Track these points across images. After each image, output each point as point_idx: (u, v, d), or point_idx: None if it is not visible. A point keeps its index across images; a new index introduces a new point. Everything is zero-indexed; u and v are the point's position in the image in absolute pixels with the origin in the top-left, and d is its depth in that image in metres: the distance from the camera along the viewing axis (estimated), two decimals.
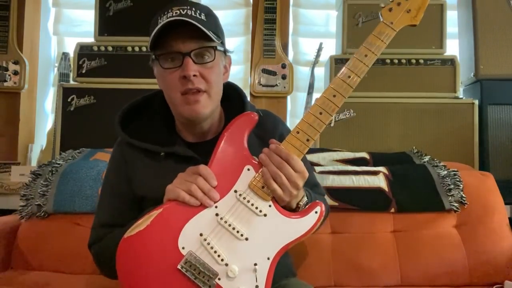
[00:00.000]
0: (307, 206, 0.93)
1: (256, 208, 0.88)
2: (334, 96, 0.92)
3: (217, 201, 0.89)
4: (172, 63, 0.96)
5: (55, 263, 1.47)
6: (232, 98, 1.10)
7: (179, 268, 0.85)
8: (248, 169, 0.91)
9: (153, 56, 0.99)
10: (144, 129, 1.07)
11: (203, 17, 0.96)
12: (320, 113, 0.91)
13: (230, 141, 0.93)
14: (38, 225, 1.52)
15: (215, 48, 0.98)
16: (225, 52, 1.04)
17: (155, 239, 0.87)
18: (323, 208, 0.91)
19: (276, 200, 0.90)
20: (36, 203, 1.53)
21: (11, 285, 1.34)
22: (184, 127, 1.07)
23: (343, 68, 0.93)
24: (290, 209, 0.93)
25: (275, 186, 0.87)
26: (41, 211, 1.52)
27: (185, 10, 0.95)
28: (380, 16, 0.97)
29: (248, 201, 0.89)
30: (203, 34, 0.94)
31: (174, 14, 0.94)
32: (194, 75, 0.95)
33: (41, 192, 1.54)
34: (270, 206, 0.89)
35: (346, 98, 0.92)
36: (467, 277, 1.42)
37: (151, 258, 0.86)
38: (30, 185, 1.58)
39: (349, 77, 0.92)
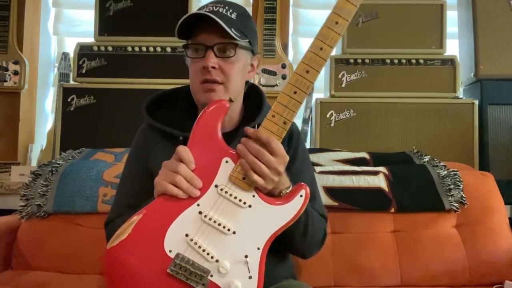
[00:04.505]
0: (292, 189, 0.90)
1: (240, 200, 0.86)
2: (307, 72, 0.87)
3: (199, 197, 0.87)
4: (196, 53, 1.03)
5: (55, 263, 1.47)
6: (253, 98, 1.16)
7: (169, 272, 0.83)
8: (227, 161, 0.88)
9: (183, 45, 1.06)
10: (167, 116, 1.12)
11: (233, 16, 1.02)
12: (295, 92, 0.87)
13: (203, 134, 0.90)
14: (38, 225, 1.52)
15: (236, 45, 1.02)
16: (253, 51, 1.09)
17: (140, 246, 0.84)
18: (308, 191, 0.88)
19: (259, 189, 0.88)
20: (36, 203, 1.53)
21: (11, 285, 1.34)
22: None
23: (314, 40, 0.87)
24: (272, 195, 0.91)
25: (256, 177, 0.85)
26: (41, 211, 1.52)
27: (218, 8, 1.02)
28: None
29: (231, 195, 0.86)
30: (228, 31, 0.99)
31: (207, 10, 1.00)
32: (213, 67, 1.00)
33: (41, 192, 1.54)
34: (254, 196, 0.87)
35: (320, 72, 0.87)
36: (467, 277, 1.42)
37: (139, 266, 0.84)
38: (30, 185, 1.58)
39: (321, 48, 0.86)
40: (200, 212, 0.86)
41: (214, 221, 0.86)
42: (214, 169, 0.88)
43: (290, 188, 0.92)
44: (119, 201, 1.12)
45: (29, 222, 1.53)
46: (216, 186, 0.87)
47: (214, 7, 1.01)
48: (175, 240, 0.85)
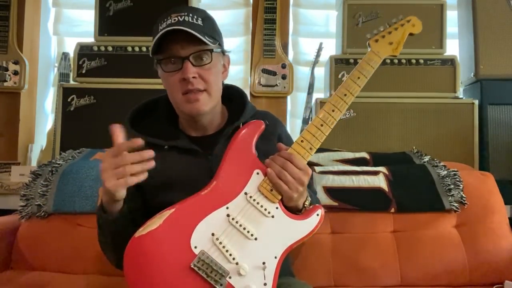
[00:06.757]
0: (309, 208, 0.99)
1: (265, 209, 0.94)
2: (333, 111, 1.03)
3: (229, 201, 0.94)
4: (172, 66, 1.03)
5: (55, 263, 1.47)
6: (234, 98, 1.18)
7: (192, 266, 0.88)
8: (257, 173, 0.97)
9: (155, 60, 1.06)
10: (150, 127, 1.14)
11: (200, 22, 1.03)
12: (321, 125, 1.01)
13: (240, 147, 0.99)
14: (38, 225, 1.52)
15: (211, 51, 1.04)
16: (223, 52, 1.11)
17: (168, 238, 0.90)
18: (323, 212, 0.97)
19: (284, 199, 0.95)
20: (36, 203, 1.52)
21: (11, 285, 1.34)
22: (187, 122, 1.14)
23: (340, 86, 1.06)
24: (297, 209, 0.98)
25: (280, 181, 0.93)
26: (41, 211, 1.51)
27: (183, 17, 1.01)
28: (368, 46, 1.13)
29: (258, 203, 0.94)
30: (200, 39, 1.00)
31: (172, 21, 1.00)
32: (194, 77, 1.01)
33: (41, 192, 1.54)
34: (277, 208, 0.95)
35: (343, 113, 1.04)
36: (467, 277, 1.42)
37: (164, 257, 0.89)
38: (30, 185, 1.57)
39: (345, 95, 1.05)
40: (228, 215, 0.93)
41: (240, 225, 0.93)
42: (246, 178, 0.97)
43: (310, 200, 1.01)
44: None
45: (29, 222, 1.53)
46: (245, 193, 0.95)
47: (179, 17, 1.01)
48: (201, 238, 0.91)
